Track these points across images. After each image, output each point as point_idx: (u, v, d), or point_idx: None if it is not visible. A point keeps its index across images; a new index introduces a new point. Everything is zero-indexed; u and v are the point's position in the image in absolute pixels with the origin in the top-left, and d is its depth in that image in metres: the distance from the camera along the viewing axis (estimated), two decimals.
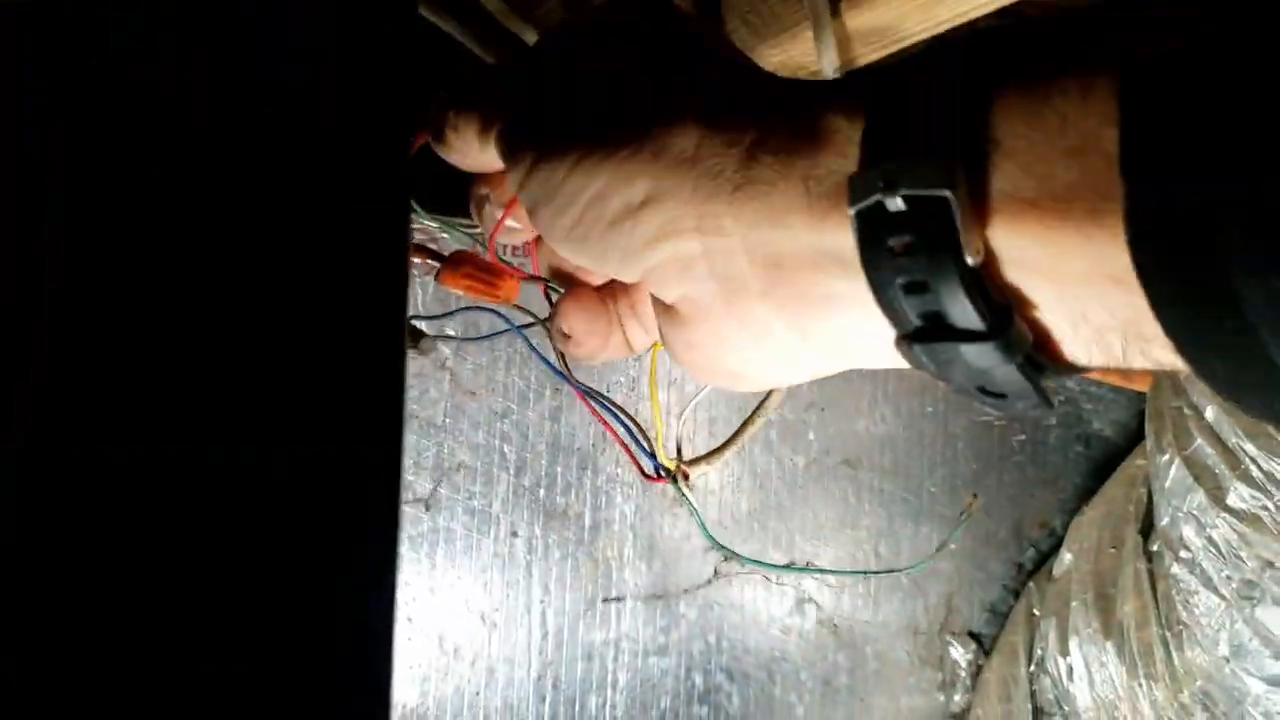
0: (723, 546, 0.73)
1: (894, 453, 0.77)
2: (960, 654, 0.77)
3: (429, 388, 0.68)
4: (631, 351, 0.36)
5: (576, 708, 0.72)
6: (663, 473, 0.52)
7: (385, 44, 0.32)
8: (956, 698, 0.78)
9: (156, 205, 0.28)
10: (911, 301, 0.24)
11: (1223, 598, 0.57)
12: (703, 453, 0.54)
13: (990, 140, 0.22)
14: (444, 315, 0.66)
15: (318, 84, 0.31)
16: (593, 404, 0.62)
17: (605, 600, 0.73)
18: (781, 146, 0.26)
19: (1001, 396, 0.26)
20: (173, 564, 0.27)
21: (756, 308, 0.28)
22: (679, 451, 0.54)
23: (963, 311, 0.23)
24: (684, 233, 0.27)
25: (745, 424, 0.52)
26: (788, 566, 0.75)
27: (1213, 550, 0.57)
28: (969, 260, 0.22)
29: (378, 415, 0.32)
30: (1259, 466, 0.55)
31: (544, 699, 0.72)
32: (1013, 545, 0.80)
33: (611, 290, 0.35)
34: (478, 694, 0.71)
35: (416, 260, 0.66)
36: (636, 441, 0.54)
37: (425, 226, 0.57)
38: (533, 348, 0.64)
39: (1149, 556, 0.64)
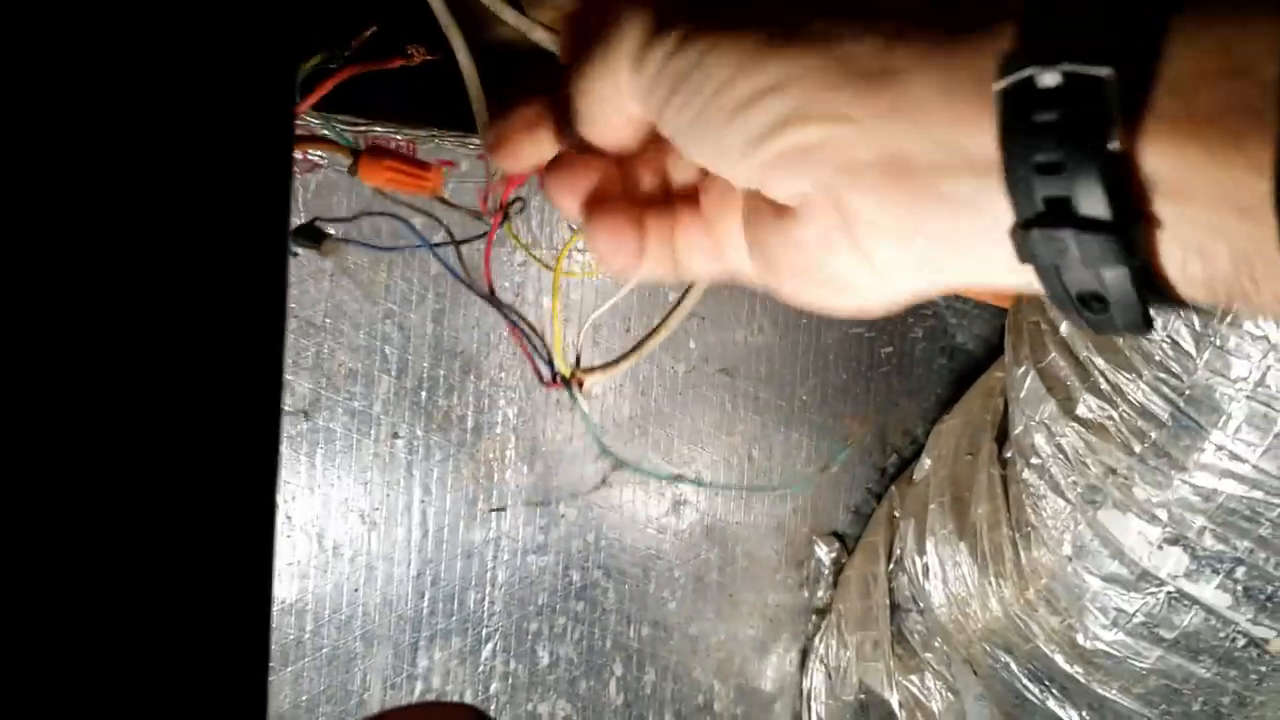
0: (614, 455, 0.75)
1: (769, 362, 0.80)
2: (824, 553, 0.81)
3: (309, 287, 0.67)
4: (678, 275, 0.34)
5: (455, 604, 0.74)
6: (559, 379, 0.53)
7: None
8: (820, 594, 0.82)
9: (23, 90, 0.27)
10: (1042, 182, 0.24)
11: (1068, 501, 0.61)
12: (596, 363, 0.56)
13: (1149, 49, 0.22)
14: (352, 219, 0.65)
15: None
16: (499, 310, 0.63)
17: (487, 506, 0.74)
18: (922, 36, 0.25)
19: (1104, 306, 0.26)
20: (43, 463, 0.27)
21: (868, 205, 0.27)
22: (578, 361, 0.55)
23: (1093, 198, 0.24)
24: (809, 119, 0.27)
25: (643, 340, 0.53)
26: (678, 478, 0.77)
27: (1061, 457, 0.61)
28: (1111, 146, 0.23)
29: (258, 311, 0.32)
30: (1106, 379, 0.59)
31: (423, 595, 0.73)
32: (877, 451, 0.84)
33: (664, 212, 0.35)
34: (356, 590, 0.72)
35: (321, 156, 0.65)
36: (535, 350, 0.55)
37: (306, 124, 0.56)
38: (441, 261, 0.64)
39: (1003, 463, 0.68)
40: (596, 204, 0.35)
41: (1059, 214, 0.24)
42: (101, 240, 0.28)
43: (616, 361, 0.53)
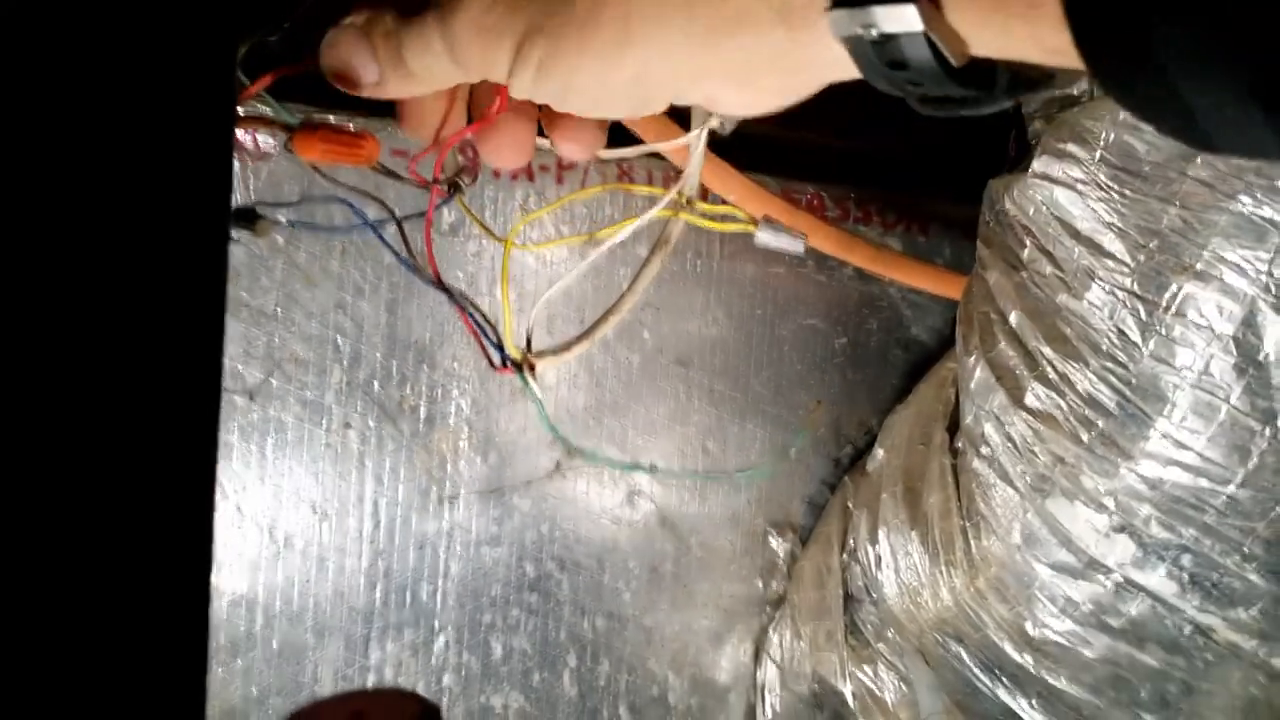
0: (566, 441, 0.75)
1: (724, 353, 0.80)
2: (779, 544, 0.82)
3: (260, 276, 0.66)
4: (403, 67, 0.37)
5: (408, 595, 0.74)
6: (509, 363, 0.52)
7: None
8: (774, 585, 0.82)
9: None
10: None
11: (1017, 490, 0.61)
12: (548, 348, 0.55)
13: None
14: (296, 204, 0.64)
15: None
16: (446, 294, 0.62)
17: (439, 496, 0.74)
18: None
19: (908, 71, 0.28)
20: None
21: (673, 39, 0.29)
22: (528, 344, 0.54)
23: None
24: None
25: (597, 323, 0.53)
26: (633, 466, 0.77)
27: (1010, 446, 0.62)
28: None
29: (197, 291, 0.31)
30: (1054, 368, 0.59)
31: (375, 587, 0.73)
32: (831, 443, 0.84)
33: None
34: (308, 582, 0.71)
35: (257, 137, 0.64)
36: (485, 335, 0.55)
37: (256, 109, 0.55)
38: (385, 243, 0.63)
39: (954, 453, 0.68)
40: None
41: None
42: (34, 220, 0.27)
43: (569, 345, 0.53)
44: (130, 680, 0.28)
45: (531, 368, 0.52)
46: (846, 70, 0.30)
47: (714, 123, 0.47)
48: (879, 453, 0.79)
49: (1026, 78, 0.29)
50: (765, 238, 0.69)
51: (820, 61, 0.30)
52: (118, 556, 0.28)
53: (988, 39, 0.26)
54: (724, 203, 0.73)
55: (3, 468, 0.26)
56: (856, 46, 0.28)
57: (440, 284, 0.65)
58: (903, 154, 0.86)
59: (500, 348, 0.54)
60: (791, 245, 0.70)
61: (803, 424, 0.83)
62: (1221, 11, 0.20)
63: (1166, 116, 0.24)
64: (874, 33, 0.27)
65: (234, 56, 0.36)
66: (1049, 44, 0.25)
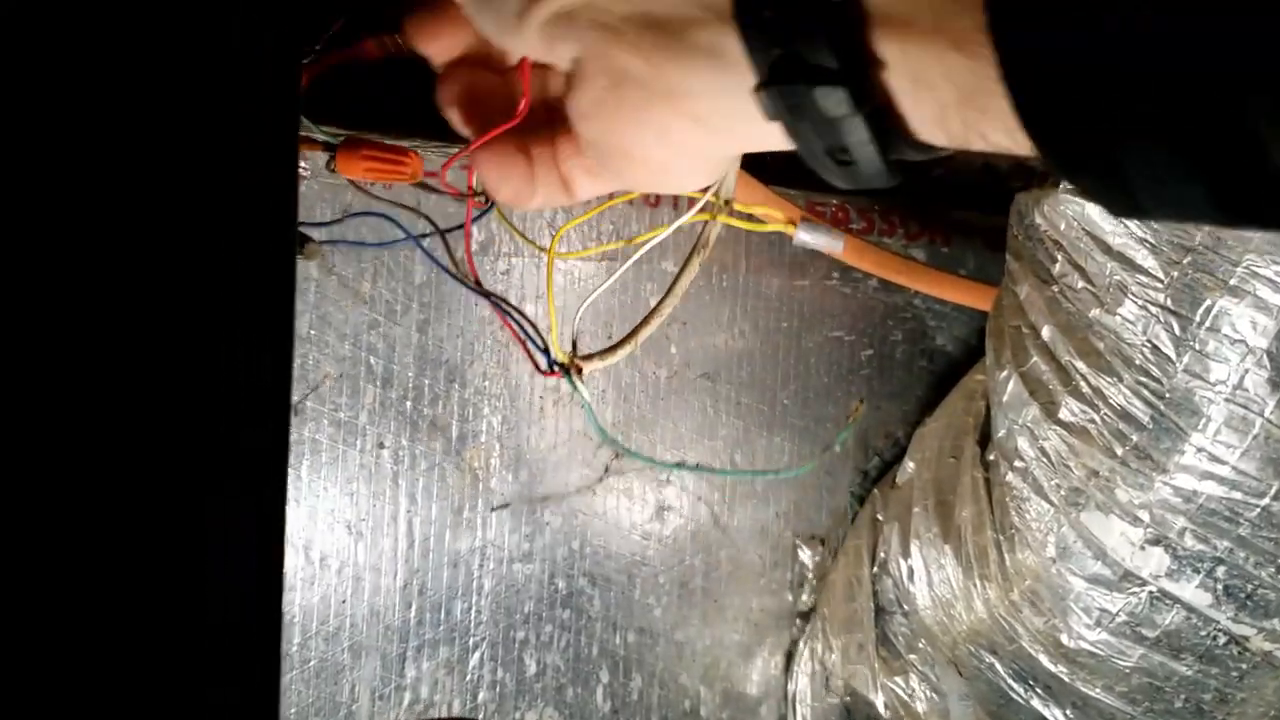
0: (616, 443, 0.75)
1: (750, 366, 0.80)
2: (808, 557, 0.82)
3: (294, 299, 0.67)
4: (570, 196, 0.37)
5: (442, 613, 0.74)
6: (556, 367, 0.53)
7: None
8: (804, 598, 0.82)
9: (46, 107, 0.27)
10: (773, 37, 0.25)
11: (1051, 504, 0.62)
12: (593, 351, 0.56)
13: None
14: (333, 222, 0.65)
15: None
16: (491, 302, 0.63)
17: (472, 511, 0.74)
18: None
19: (849, 157, 0.27)
20: (66, 468, 0.27)
21: (632, 62, 0.29)
22: (574, 347, 0.55)
23: (818, 49, 0.25)
24: None
25: (639, 326, 0.53)
26: (679, 465, 0.78)
27: (1044, 460, 0.62)
28: None
29: (269, 321, 0.32)
30: (1088, 383, 0.59)
31: (410, 605, 0.73)
32: (859, 454, 0.84)
33: (546, 137, 0.37)
34: (344, 602, 0.71)
35: (305, 167, 0.64)
36: (530, 340, 0.56)
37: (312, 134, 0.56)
38: (430, 257, 0.64)
39: (986, 466, 0.69)
40: (481, 127, 0.38)
41: (792, 69, 0.26)
42: (110, 243, 0.28)
43: (614, 348, 0.53)
44: (207, 695, 0.29)
45: (579, 371, 0.53)
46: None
47: None
48: (909, 465, 0.79)
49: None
50: (805, 237, 0.69)
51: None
52: (199, 578, 0.28)
53: (927, 133, 0.26)
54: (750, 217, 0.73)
55: (85, 480, 0.26)
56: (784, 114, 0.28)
57: (483, 291, 0.65)
58: (925, 166, 0.86)
59: (546, 351, 0.54)
60: (831, 244, 0.70)
61: (847, 418, 0.83)
62: (1183, 137, 0.20)
63: (1116, 204, 0.24)
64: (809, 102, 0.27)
65: (298, 77, 0.37)
66: (993, 141, 0.25)
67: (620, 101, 0.30)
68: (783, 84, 0.26)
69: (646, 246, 0.57)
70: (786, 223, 0.70)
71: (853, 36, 0.25)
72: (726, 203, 0.55)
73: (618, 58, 0.29)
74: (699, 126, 0.30)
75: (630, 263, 0.68)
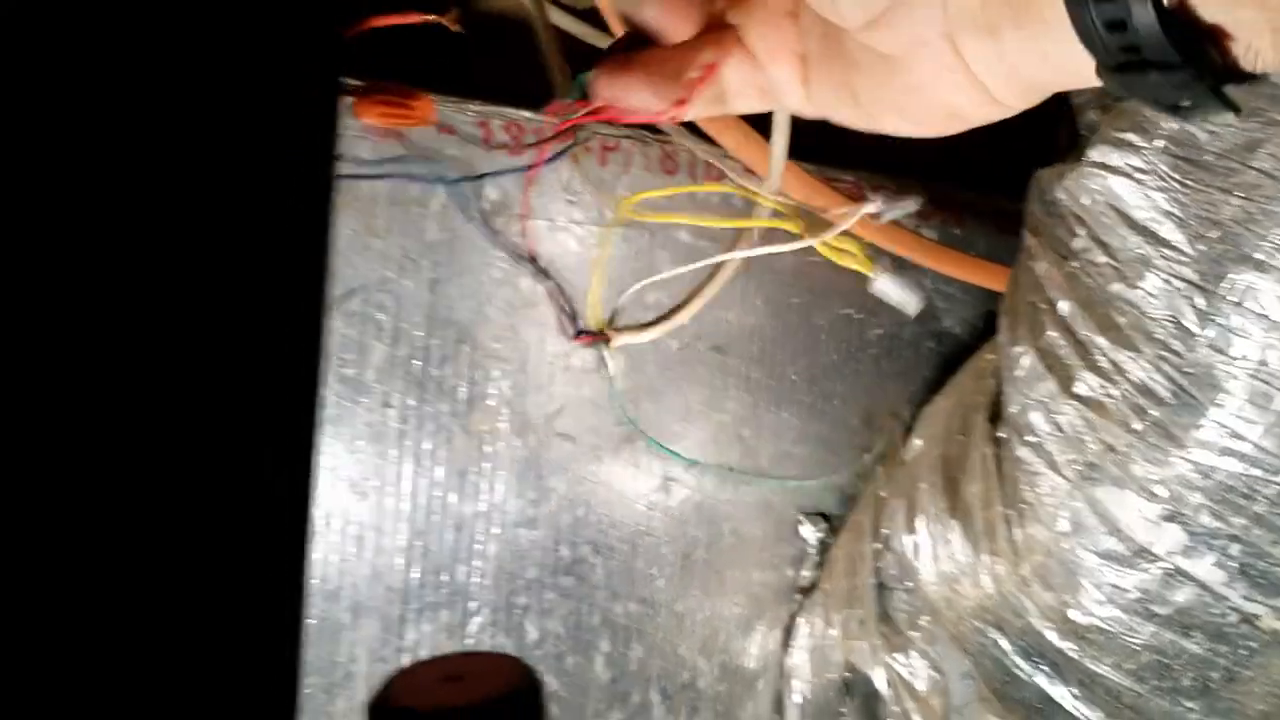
0: (633, 422, 0.75)
1: (761, 341, 0.80)
2: (810, 532, 0.82)
3: None
4: (724, 109, 0.38)
5: (445, 576, 0.73)
6: (586, 333, 0.52)
7: None
8: (805, 573, 0.82)
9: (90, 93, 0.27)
10: None
11: (1065, 478, 0.62)
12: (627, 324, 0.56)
13: None
14: (366, 176, 0.64)
15: None
16: (530, 262, 0.62)
17: (477, 475, 0.73)
18: None
19: (1128, 40, 0.28)
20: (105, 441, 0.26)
21: (980, 48, 0.32)
22: (612, 318, 0.55)
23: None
24: None
25: (678, 307, 0.53)
26: (694, 461, 0.77)
27: (1059, 435, 0.62)
28: None
29: (301, 290, 0.32)
30: (1107, 357, 0.59)
31: (412, 567, 0.72)
32: (864, 432, 0.84)
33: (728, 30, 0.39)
34: (345, 561, 0.71)
35: None
36: (561, 307, 0.55)
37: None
38: (466, 203, 0.63)
39: (996, 442, 0.69)
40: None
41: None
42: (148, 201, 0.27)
43: (650, 325, 0.53)
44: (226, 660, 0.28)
45: (608, 340, 0.53)
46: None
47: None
48: (916, 442, 0.79)
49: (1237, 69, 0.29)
50: (884, 287, 0.70)
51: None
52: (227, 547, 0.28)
53: (1213, 8, 0.27)
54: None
55: (126, 459, 0.26)
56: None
57: (524, 234, 0.65)
58: (938, 144, 0.86)
59: (574, 318, 0.54)
60: (906, 300, 0.72)
61: (881, 429, 0.83)
62: None
63: None
64: None
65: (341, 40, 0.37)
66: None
67: (958, 76, 0.33)
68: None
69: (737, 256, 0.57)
70: (866, 261, 0.72)
71: None
72: (778, 192, 0.55)
73: (968, 44, 0.32)
74: (1003, 70, 0.32)
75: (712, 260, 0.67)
